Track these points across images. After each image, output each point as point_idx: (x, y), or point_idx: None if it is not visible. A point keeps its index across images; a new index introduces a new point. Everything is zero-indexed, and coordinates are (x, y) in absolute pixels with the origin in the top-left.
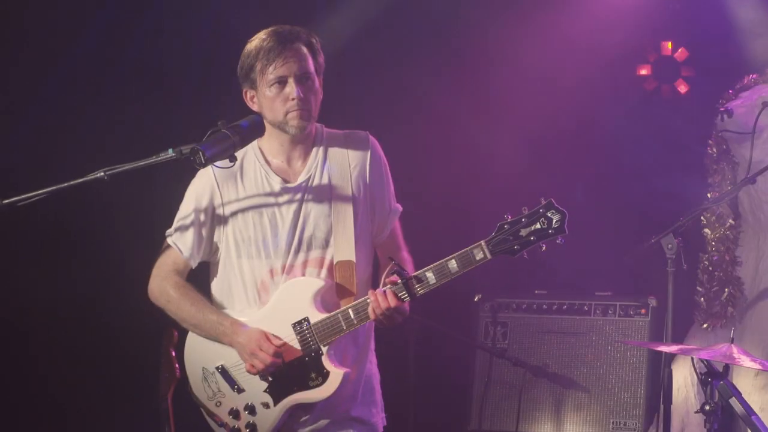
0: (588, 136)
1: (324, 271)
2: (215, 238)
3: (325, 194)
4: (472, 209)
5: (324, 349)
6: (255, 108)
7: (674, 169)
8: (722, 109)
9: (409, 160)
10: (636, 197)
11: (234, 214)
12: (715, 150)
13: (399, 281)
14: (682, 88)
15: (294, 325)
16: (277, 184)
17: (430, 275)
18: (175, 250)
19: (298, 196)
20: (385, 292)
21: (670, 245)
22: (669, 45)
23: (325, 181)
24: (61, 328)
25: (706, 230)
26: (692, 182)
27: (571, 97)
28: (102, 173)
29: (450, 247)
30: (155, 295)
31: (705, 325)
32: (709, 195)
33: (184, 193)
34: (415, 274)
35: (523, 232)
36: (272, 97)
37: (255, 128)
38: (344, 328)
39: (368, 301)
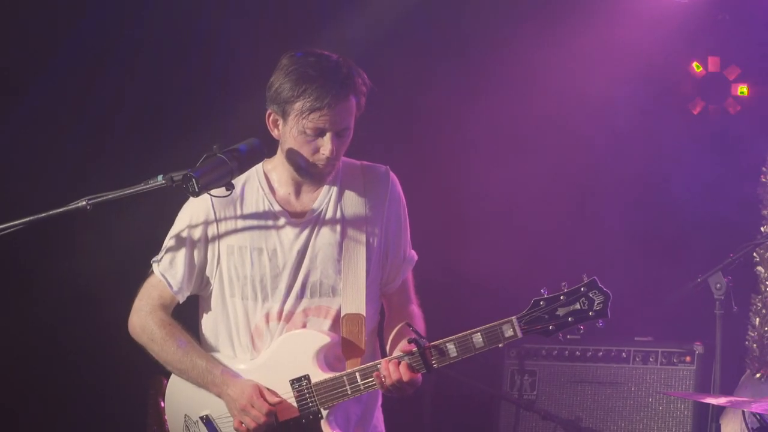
0: (625, 164)
1: (328, 323)
2: (207, 272)
3: (335, 235)
4: (497, 261)
5: (324, 413)
6: (274, 134)
7: (723, 199)
8: None
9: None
10: (679, 230)
11: (230, 247)
12: None
13: (415, 350)
14: (733, 109)
15: (292, 382)
16: (281, 218)
17: (451, 347)
18: (163, 283)
19: (305, 233)
20: (399, 363)
21: (718, 285)
22: (717, 61)
23: (336, 219)
24: (32, 376)
25: (759, 268)
26: (743, 214)
27: (605, 120)
28: (85, 202)
29: (469, 308)
30: (137, 331)
31: (758, 375)
32: (762, 229)
33: (166, 222)
34: (435, 344)
35: (561, 312)
36: (302, 141)
37: (254, 153)
38: (349, 393)
39: (378, 366)
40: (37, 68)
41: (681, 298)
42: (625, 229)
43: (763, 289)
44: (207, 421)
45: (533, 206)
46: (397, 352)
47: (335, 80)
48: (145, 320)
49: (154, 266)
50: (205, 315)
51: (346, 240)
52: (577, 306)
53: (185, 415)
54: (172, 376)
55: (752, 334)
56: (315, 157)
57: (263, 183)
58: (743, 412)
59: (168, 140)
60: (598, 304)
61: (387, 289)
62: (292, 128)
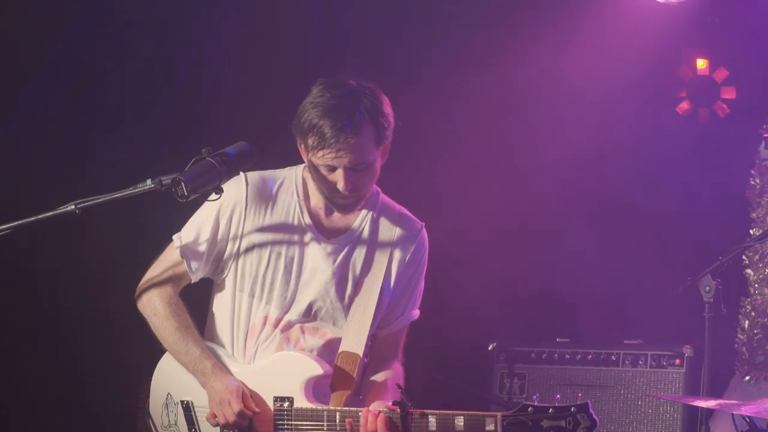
0: (613, 167)
1: (321, 342)
2: (224, 260)
3: (354, 272)
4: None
5: None
6: (306, 161)
7: (712, 202)
8: (766, 135)
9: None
10: (669, 234)
11: (252, 242)
12: (758, 181)
13: (398, 412)
14: (722, 112)
15: (276, 399)
16: (308, 230)
17: (432, 420)
18: (180, 259)
19: (327, 255)
20: (378, 415)
21: (707, 287)
22: (705, 63)
23: (360, 255)
24: (26, 377)
25: (749, 271)
26: (733, 217)
27: (593, 121)
28: (73, 206)
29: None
30: (143, 302)
31: (747, 378)
32: (751, 231)
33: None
34: (418, 411)
35: (545, 424)
36: (319, 175)
37: (244, 157)
38: (324, 429)
39: (359, 414)
40: (28, 73)
41: (671, 301)
42: (614, 230)
43: (752, 291)
44: (186, 406)
45: (523, 209)
46: (380, 406)
47: (338, 119)
48: (152, 293)
49: (176, 241)
50: (216, 296)
51: (362, 282)
52: (562, 423)
53: (168, 393)
54: (167, 353)
55: (741, 337)
56: (333, 191)
57: (299, 189)
58: (732, 414)
59: (159, 144)
60: (582, 428)
61: (376, 333)
62: (311, 158)
